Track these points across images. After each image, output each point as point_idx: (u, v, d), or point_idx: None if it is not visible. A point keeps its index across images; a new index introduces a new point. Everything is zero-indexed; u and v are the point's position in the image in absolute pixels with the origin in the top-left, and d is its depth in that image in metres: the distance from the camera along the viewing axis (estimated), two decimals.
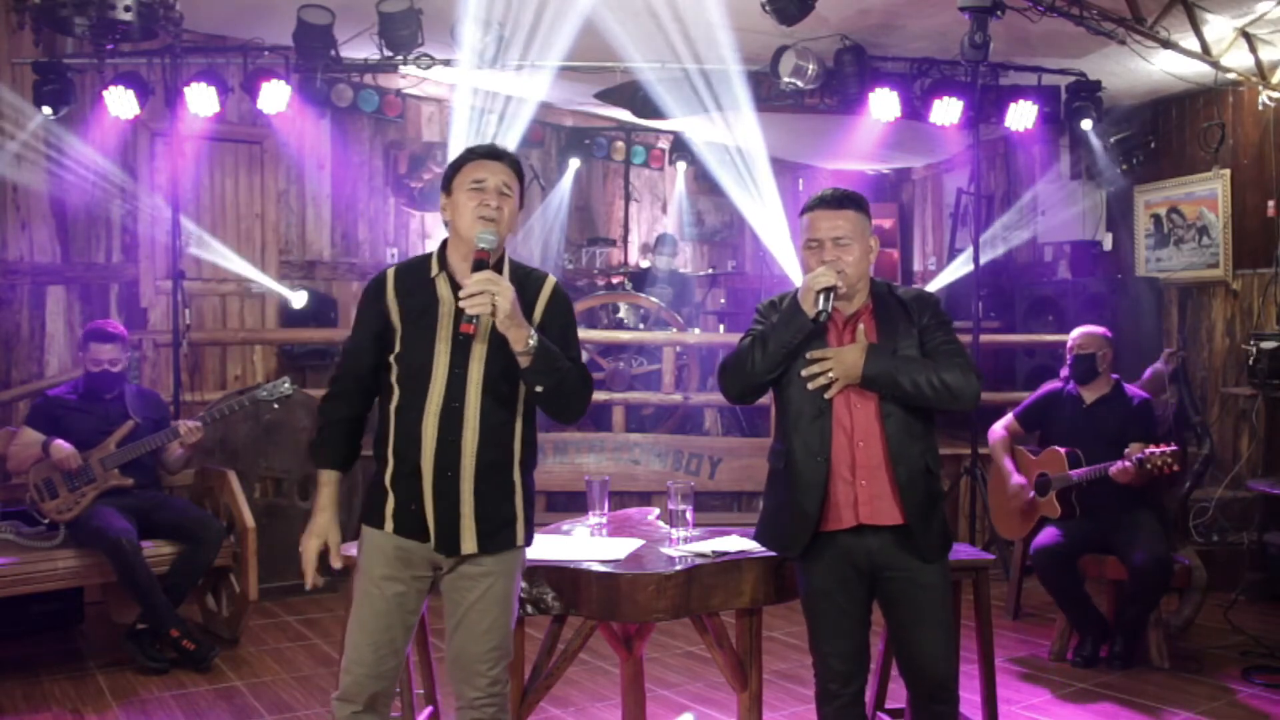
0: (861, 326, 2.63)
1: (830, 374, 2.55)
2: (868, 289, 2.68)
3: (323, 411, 2.56)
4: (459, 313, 2.32)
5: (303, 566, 2.51)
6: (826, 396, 2.56)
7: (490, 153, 2.48)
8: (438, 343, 2.42)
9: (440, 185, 2.53)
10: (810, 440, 2.58)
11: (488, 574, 2.44)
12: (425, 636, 3.12)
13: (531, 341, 2.32)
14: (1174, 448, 4.04)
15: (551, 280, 2.55)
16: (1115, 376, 4.54)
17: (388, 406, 2.47)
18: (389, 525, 2.44)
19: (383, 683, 2.45)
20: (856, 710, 2.63)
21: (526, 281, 2.50)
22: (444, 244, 2.51)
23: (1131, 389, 4.53)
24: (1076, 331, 4.57)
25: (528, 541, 2.51)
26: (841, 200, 2.63)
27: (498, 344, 2.35)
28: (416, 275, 2.49)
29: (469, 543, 2.41)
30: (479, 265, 2.33)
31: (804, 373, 2.56)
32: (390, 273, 2.52)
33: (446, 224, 2.49)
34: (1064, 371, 4.65)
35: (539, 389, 2.38)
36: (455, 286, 2.41)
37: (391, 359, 2.46)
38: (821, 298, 2.52)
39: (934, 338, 2.62)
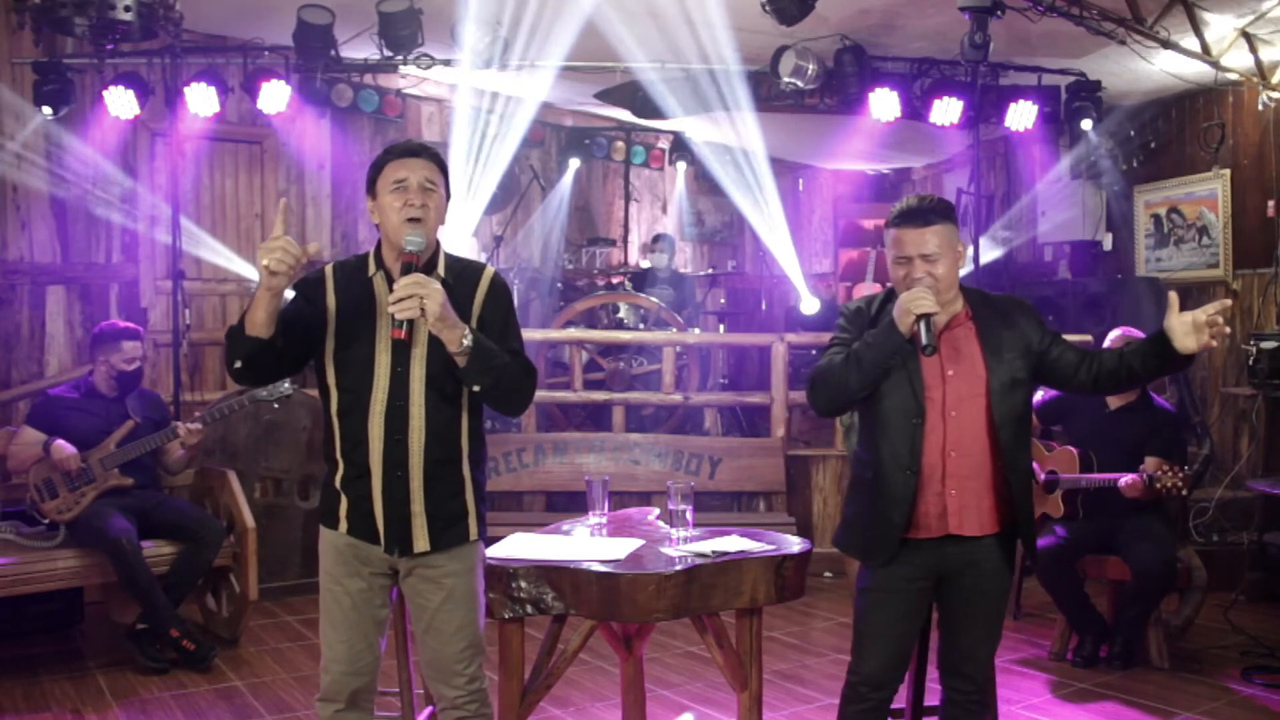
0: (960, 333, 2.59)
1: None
2: (960, 295, 2.61)
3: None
4: (391, 317, 2.30)
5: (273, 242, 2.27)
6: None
7: (408, 150, 2.45)
8: (378, 342, 2.40)
9: (365, 189, 2.51)
10: (900, 452, 2.53)
11: (448, 574, 2.44)
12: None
13: (466, 341, 2.29)
14: (1185, 471, 4.04)
15: (490, 271, 2.53)
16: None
17: (330, 409, 2.46)
18: (343, 526, 2.45)
19: (362, 679, 2.46)
20: (879, 718, 2.63)
21: (464, 274, 2.48)
22: (379, 243, 2.49)
23: (1159, 400, 4.46)
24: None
25: (481, 536, 2.50)
26: (927, 215, 2.52)
27: (438, 340, 2.33)
28: (354, 273, 2.48)
29: (420, 541, 2.41)
30: (407, 269, 2.31)
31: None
32: (329, 268, 2.50)
33: (377, 226, 2.47)
34: None
35: (477, 388, 2.37)
36: (392, 284, 2.38)
37: (328, 360, 2.44)
38: (923, 327, 2.42)
39: (1059, 344, 2.61)
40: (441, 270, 2.45)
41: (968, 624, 2.59)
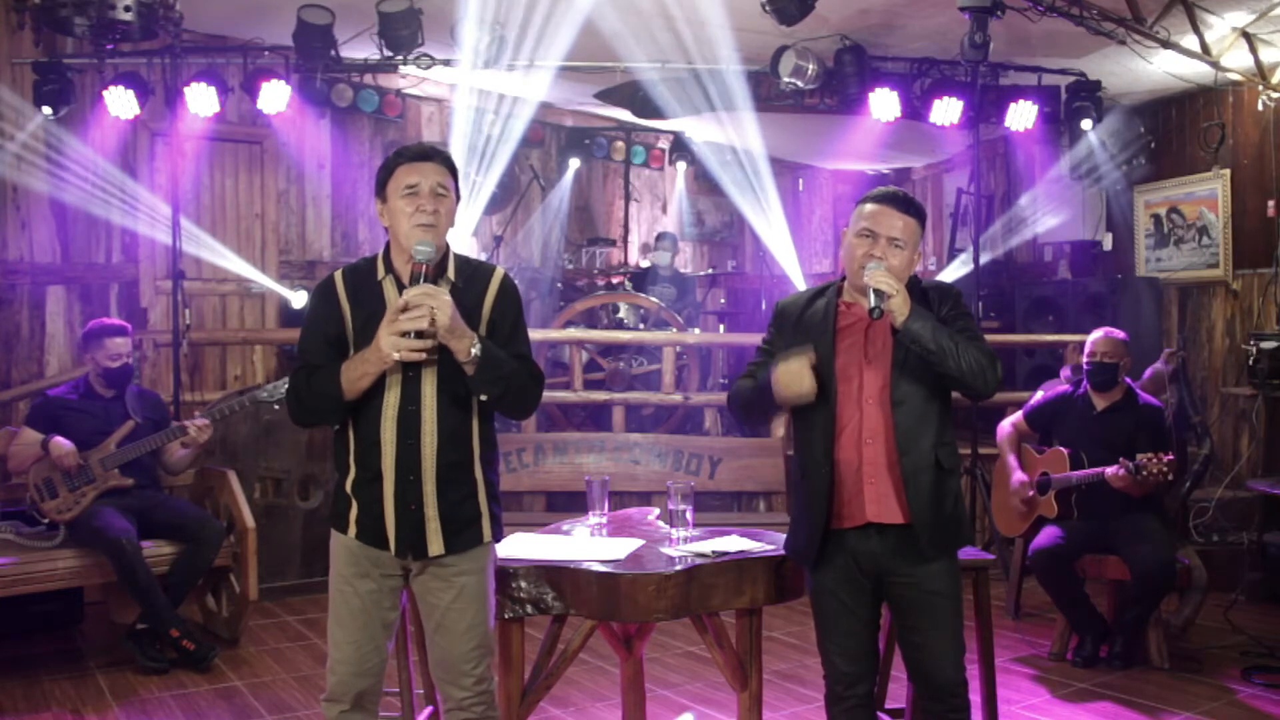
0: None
1: (893, 298, 2.43)
2: None
3: (293, 385, 2.47)
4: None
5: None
6: (874, 315, 2.44)
7: (420, 153, 2.43)
8: None
9: (374, 190, 2.49)
10: (816, 448, 2.56)
11: (460, 574, 2.43)
12: (424, 637, 3.11)
13: (474, 350, 2.30)
14: (1170, 457, 4.04)
15: (500, 272, 2.52)
16: (1128, 381, 4.47)
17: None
18: (352, 531, 2.44)
19: (368, 680, 2.46)
20: (864, 713, 2.62)
21: (474, 275, 2.48)
22: (388, 245, 2.48)
23: (1145, 396, 4.48)
24: (1098, 335, 4.45)
25: (495, 537, 2.51)
26: (907, 204, 2.58)
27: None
28: (364, 278, 2.47)
29: (435, 545, 2.40)
30: (415, 278, 2.30)
31: (869, 279, 2.44)
32: (339, 275, 2.49)
33: (385, 229, 2.46)
34: (1065, 372, 4.61)
35: (484, 397, 2.38)
36: (402, 288, 2.39)
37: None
38: (874, 295, 2.43)
39: (954, 325, 2.57)
40: (451, 273, 2.44)
41: (920, 626, 2.55)
